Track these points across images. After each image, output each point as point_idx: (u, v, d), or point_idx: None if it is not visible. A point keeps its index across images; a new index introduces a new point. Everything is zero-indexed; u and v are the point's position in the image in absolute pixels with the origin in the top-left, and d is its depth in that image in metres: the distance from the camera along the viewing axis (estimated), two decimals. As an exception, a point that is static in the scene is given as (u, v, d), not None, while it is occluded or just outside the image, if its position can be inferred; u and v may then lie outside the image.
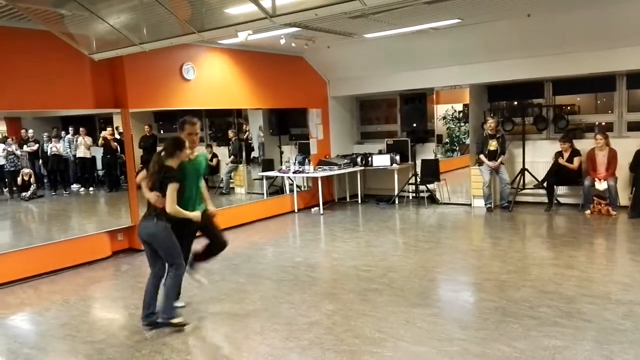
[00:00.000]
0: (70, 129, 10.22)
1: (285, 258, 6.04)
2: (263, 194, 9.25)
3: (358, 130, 10.75)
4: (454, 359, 3.28)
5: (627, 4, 6.44)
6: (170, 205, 3.81)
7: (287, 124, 9.96)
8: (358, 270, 5.36)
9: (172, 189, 3.81)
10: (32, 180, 9.53)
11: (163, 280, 4.03)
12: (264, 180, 9.27)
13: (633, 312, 3.88)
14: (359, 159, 9.55)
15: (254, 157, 10.52)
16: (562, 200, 8.26)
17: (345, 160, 9.47)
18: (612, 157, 7.49)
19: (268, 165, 9.87)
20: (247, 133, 10.26)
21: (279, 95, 8.79)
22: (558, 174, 7.91)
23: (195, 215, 4.06)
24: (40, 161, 10.14)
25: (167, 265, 4.00)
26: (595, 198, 7.46)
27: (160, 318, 3.98)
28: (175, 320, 3.99)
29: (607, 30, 6.94)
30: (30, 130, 9.96)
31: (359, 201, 9.67)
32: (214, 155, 9.97)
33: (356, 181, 9.65)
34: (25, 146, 9.88)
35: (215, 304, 4.58)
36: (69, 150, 10.21)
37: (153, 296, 4.01)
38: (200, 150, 4.55)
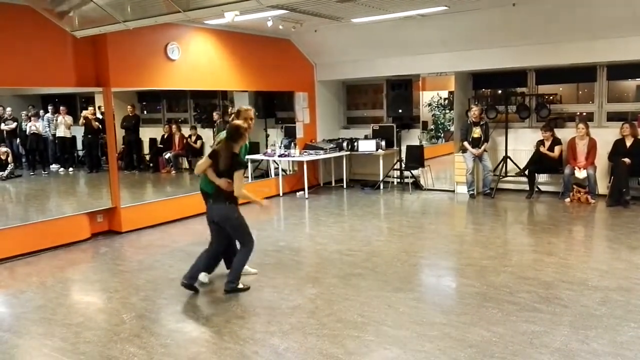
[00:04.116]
0: (49, 107, 9.99)
1: (269, 242, 6.04)
2: (248, 177, 9.19)
3: (344, 115, 10.73)
4: (435, 343, 3.33)
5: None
6: (239, 189, 4.17)
7: (273, 107, 9.87)
8: (342, 255, 5.39)
9: (240, 174, 4.19)
10: (9, 159, 9.32)
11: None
12: (249, 163, 9.21)
13: (609, 298, 3.98)
14: (344, 144, 9.55)
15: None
16: (542, 188, 8.40)
17: (331, 145, 9.45)
18: (592, 147, 7.62)
19: (253, 148, 9.80)
20: (233, 115, 10.16)
21: (265, 78, 8.70)
22: (539, 162, 8.03)
23: (260, 201, 4.49)
24: (18, 140, 9.90)
25: (237, 243, 4.42)
26: (574, 186, 7.59)
27: (227, 287, 4.33)
28: (240, 286, 4.37)
29: (589, 22, 7.00)
30: (9, 108, 9.70)
31: (344, 186, 9.69)
32: (198, 137, 9.87)
33: (342, 166, 9.65)
34: (2, 124, 9.63)
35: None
36: (48, 129, 9.98)
37: (202, 265, 4.40)
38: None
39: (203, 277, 4.54)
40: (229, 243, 4.53)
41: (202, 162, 4.32)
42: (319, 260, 5.36)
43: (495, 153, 8.69)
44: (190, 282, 4.36)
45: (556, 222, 6.56)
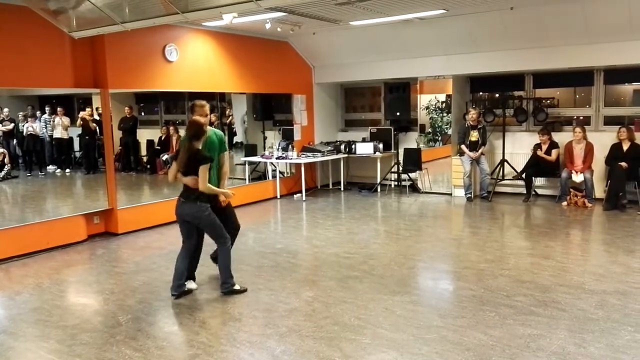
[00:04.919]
0: (47, 108, 9.97)
1: (266, 244, 6.04)
2: (245, 179, 9.19)
3: (342, 118, 10.73)
4: (431, 346, 3.33)
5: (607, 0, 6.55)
6: (203, 184, 4.10)
7: (271, 109, 9.88)
8: (339, 258, 5.38)
9: (204, 169, 4.09)
10: (6, 160, 9.29)
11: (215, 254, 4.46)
12: (247, 165, 9.21)
13: (605, 301, 3.99)
14: (342, 147, 9.56)
15: (236, 141, 10.43)
16: (539, 191, 8.41)
17: (329, 147, 9.46)
18: (589, 150, 7.64)
19: (251, 150, 9.80)
20: (230, 117, 10.15)
21: (263, 80, 8.70)
22: (536, 166, 8.05)
23: (226, 192, 4.43)
24: (15, 141, 9.87)
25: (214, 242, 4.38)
26: (571, 190, 7.61)
27: (223, 289, 4.35)
28: (236, 287, 4.37)
29: (586, 26, 7.03)
30: (6, 109, 9.68)
31: (342, 188, 9.69)
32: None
33: (339, 168, 9.65)
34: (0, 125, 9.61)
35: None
36: (45, 130, 9.96)
37: (184, 268, 4.34)
38: (213, 129, 4.67)
39: (190, 284, 4.49)
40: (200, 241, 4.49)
41: (172, 167, 4.27)
42: (316, 262, 5.35)
43: (492, 156, 8.70)
44: (179, 291, 4.33)
45: (553, 226, 6.57)
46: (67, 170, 10.01)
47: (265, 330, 3.65)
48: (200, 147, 4.18)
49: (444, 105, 13.57)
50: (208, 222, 4.24)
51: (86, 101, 9.45)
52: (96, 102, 8.50)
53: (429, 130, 13.59)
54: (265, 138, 9.98)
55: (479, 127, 8.32)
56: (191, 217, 4.25)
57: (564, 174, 7.72)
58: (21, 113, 9.83)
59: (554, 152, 7.90)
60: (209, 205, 4.24)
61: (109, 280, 4.94)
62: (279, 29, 7.80)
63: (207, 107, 4.52)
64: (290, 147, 9.22)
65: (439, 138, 13.74)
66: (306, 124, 9.71)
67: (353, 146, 9.46)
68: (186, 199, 4.22)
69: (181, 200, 4.26)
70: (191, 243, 4.38)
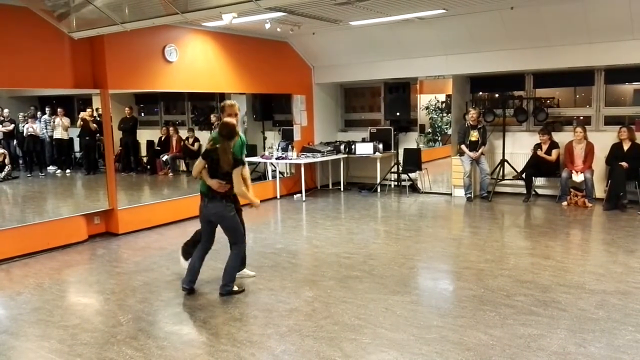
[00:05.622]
0: (47, 109, 9.98)
1: (266, 244, 6.04)
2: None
3: (342, 118, 10.73)
4: (432, 346, 3.33)
5: (608, -1, 6.57)
6: (238, 186, 4.13)
7: (271, 109, 9.89)
8: (339, 258, 5.38)
9: (238, 172, 4.12)
10: (6, 160, 9.31)
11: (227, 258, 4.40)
12: (246, 165, 9.20)
13: (606, 301, 3.98)
14: (342, 147, 9.56)
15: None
16: (539, 191, 8.41)
17: (329, 148, 9.46)
18: (590, 150, 7.64)
19: (251, 150, 9.80)
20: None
21: (263, 80, 8.70)
22: (536, 166, 8.05)
23: (256, 201, 4.39)
24: (15, 141, 9.89)
25: (229, 243, 4.39)
26: (572, 190, 7.61)
27: (222, 290, 4.32)
28: (235, 289, 4.37)
29: (587, 26, 7.03)
30: (6, 110, 9.70)
31: (342, 189, 9.69)
32: (196, 140, 9.87)
33: (339, 169, 9.65)
34: (0, 126, 9.63)
35: (195, 289, 4.55)
36: (45, 131, 9.98)
37: (199, 266, 4.40)
38: (241, 134, 4.64)
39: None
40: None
41: (198, 164, 4.28)
42: (316, 262, 5.35)
43: (492, 156, 8.70)
44: (190, 286, 4.39)
45: (553, 226, 6.57)
46: (68, 170, 10.02)
47: (266, 330, 3.66)
48: (232, 149, 4.18)
49: (443, 105, 13.57)
50: (232, 223, 4.27)
51: (86, 102, 9.46)
52: (96, 102, 8.52)
53: (429, 130, 13.59)
54: (265, 138, 9.99)
55: (479, 127, 8.32)
56: (216, 217, 4.25)
57: (564, 174, 7.72)
58: (21, 114, 9.85)
59: (554, 152, 7.90)
60: (234, 206, 4.26)
61: (109, 280, 4.94)
62: (278, 29, 7.80)
63: (237, 107, 4.53)
64: (290, 147, 9.22)
65: (439, 138, 13.74)
66: (306, 124, 9.71)
67: (353, 146, 9.46)
68: (211, 198, 4.21)
69: (205, 200, 4.25)
70: (210, 242, 4.42)
